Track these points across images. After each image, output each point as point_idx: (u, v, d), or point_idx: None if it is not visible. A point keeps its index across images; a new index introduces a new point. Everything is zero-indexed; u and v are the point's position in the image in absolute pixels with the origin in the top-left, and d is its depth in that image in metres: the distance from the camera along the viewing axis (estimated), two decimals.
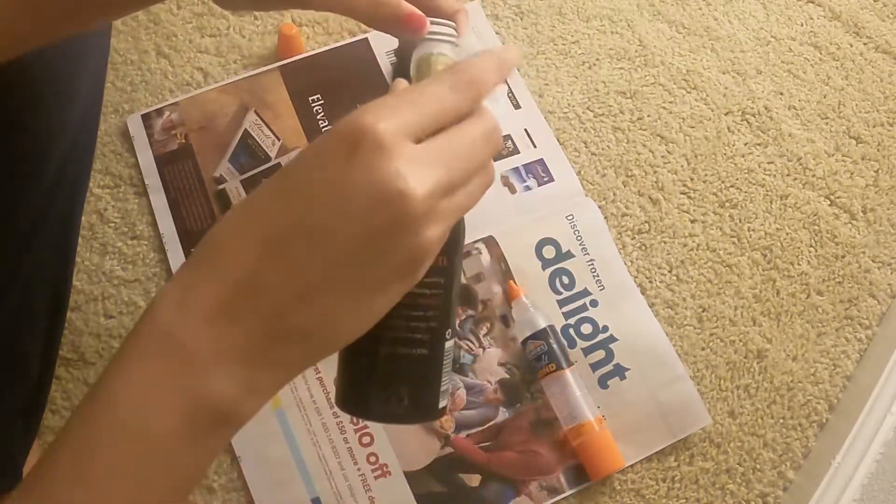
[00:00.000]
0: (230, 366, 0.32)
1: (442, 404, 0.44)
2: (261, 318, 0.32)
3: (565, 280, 0.71)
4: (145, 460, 0.32)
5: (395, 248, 0.32)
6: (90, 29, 0.47)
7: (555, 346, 0.66)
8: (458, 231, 0.44)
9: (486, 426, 0.67)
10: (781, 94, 0.83)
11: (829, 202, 0.78)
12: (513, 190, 0.75)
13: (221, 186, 0.75)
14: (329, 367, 0.67)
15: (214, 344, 0.32)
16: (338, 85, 0.79)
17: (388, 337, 0.41)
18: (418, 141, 0.33)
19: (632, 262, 0.74)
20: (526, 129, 0.78)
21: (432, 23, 0.46)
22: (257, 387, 0.33)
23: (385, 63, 0.80)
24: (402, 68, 0.46)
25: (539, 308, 0.68)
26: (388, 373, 0.42)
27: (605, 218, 0.75)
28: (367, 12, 0.46)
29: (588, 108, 0.80)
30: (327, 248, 0.32)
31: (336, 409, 0.66)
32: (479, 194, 0.37)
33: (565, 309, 0.70)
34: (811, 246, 0.76)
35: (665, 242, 0.75)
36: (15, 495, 0.32)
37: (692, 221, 0.76)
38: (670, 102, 0.81)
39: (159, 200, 0.74)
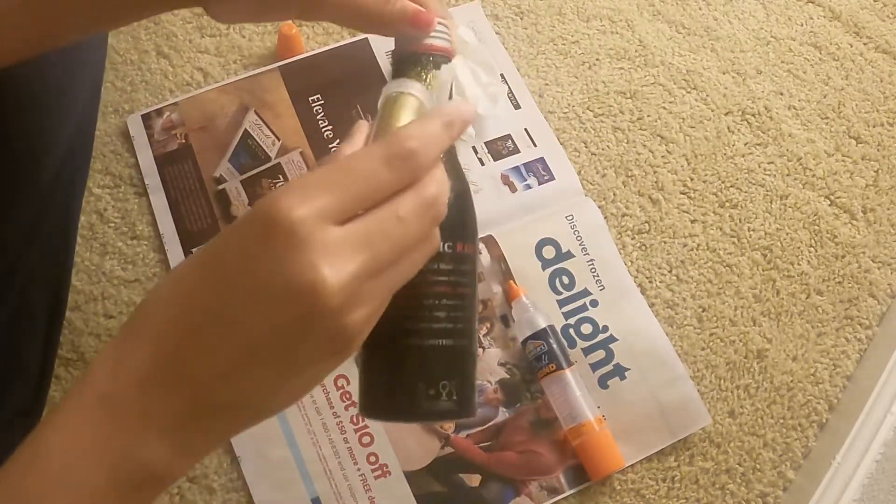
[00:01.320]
0: (159, 431, 0.33)
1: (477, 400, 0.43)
2: (186, 390, 0.33)
3: (565, 280, 0.71)
4: None
5: (315, 334, 0.32)
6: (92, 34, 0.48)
7: (555, 346, 0.66)
8: (471, 217, 0.43)
9: (486, 426, 0.67)
10: (781, 94, 0.83)
11: (829, 202, 0.78)
12: (513, 189, 0.75)
13: (221, 186, 0.75)
14: None
15: (144, 409, 0.32)
16: (338, 85, 0.79)
17: (434, 329, 0.40)
18: (342, 223, 0.32)
19: (632, 262, 0.74)
20: (526, 129, 0.78)
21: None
22: (187, 450, 0.34)
23: (385, 63, 0.80)
24: (397, 70, 0.47)
25: (539, 308, 0.68)
26: (436, 367, 0.40)
27: (605, 218, 0.75)
28: (377, 12, 0.46)
29: (588, 108, 0.80)
30: (242, 335, 0.32)
31: (336, 409, 0.66)
32: (415, 269, 0.35)
33: (565, 309, 0.70)
34: (811, 246, 0.76)
35: (665, 242, 0.75)
36: None
37: (692, 221, 0.76)
38: (670, 102, 0.81)
39: (159, 200, 0.74)
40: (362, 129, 0.40)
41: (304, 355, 0.33)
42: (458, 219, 0.41)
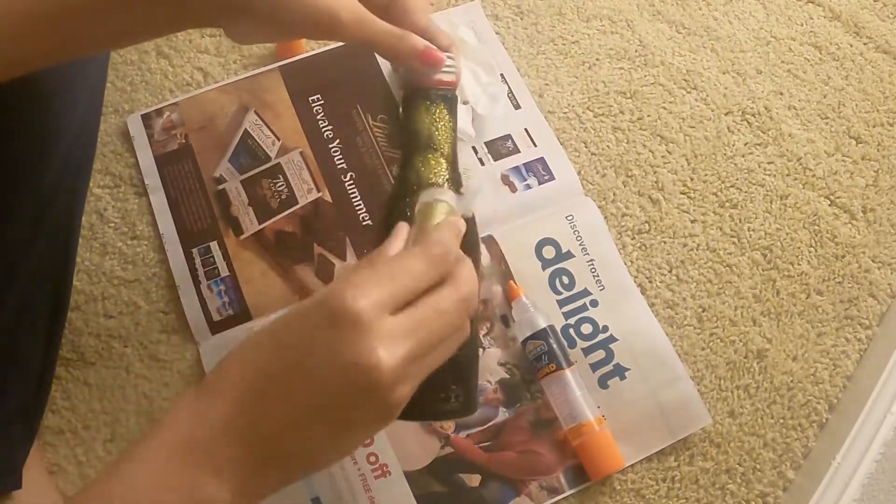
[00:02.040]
0: (228, 475, 0.38)
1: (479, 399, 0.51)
2: (256, 441, 0.39)
3: (565, 280, 0.71)
4: None
5: (369, 402, 0.39)
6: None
7: (555, 346, 0.66)
8: (474, 236, 0.51)
9: (486, 426, 0.67)
10: (781, 94, 0.83)
11: (829, 202, 0.78)
12: (513, 189, 0.75)
13: (221, 186, 0.75)
14: None
15: (217, 456, 0.38)
16: (338, 85, 0.79)
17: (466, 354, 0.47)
18: (394, 312, 0.39)
19: (632, 262, 0.74)
20: (526, 129, 0.78)
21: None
22: (246, 494, 0.39)
23: (385, 63, 0.80)
24: (407, 105, 0.54)
25: (539, 308, 0.68)
26: (446, 375, 0.45)
27: (605, 218, 0.75)
28: (389, 45, 0.50)
29: (588, 108, 0.80)
30: (313, 395, 0.39)
31: None
32: (451, 352, 0.43)
33: (565, 309, 0.70)
34: (811, 246, 0.76)
35: (665, 242, 0.75)
36: None
37: (692, 221, 0.76)
38: (670, 102, 0.81)
39: (159, 200, 0.74)
40: (402, 230, 0.47)
41: (358, 419, 0.40)
42: (465, 240, 0.47)
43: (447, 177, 0.53)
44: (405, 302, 0.40)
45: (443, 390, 0.48)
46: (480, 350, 0.68)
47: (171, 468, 0.38)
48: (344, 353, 0.38)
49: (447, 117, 0.54)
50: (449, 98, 0.53)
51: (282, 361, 0.39)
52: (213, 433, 0.38)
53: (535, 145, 0.77)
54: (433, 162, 0.53)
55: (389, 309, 0.39)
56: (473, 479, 0.65)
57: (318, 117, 0.78)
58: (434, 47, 0.51)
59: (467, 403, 0.50)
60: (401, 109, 0.55)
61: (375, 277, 0.39)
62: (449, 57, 0.52)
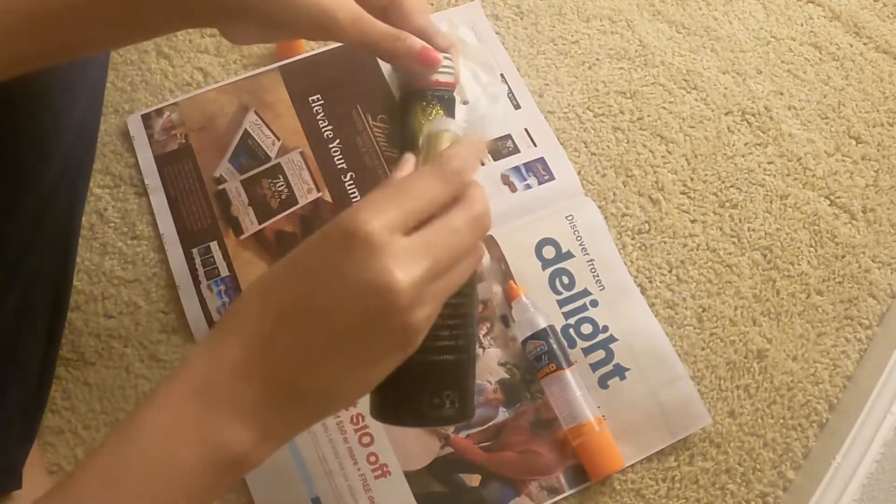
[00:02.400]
0: (247, 417, 0.37)
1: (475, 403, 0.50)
2: (274, 377, 0.38)
3: (565, 280, 0.71)
4: (167, 485, 0.36)
5: (388, 328, 0.38)
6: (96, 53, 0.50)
7: (555, 346, 0.66)
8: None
9: (486, 426, 0.67)
10: (781, 94, 0.83)
11: (829, 202, 0.78)
12: (513, 189, 0.75)
13: (221, 186, 0.75)
14: None
15: (235, 396, 0.37)
16: (338, 85, 0.79)
17: (439, 346, 0.45)
18: (408, 233, 0.38)
19: (632, 262, 0.74)
20: (526, 129, 0.78)
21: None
22: (269, 437, 0.38)
23: (385, 64, 0.80)
24: (404, 103, 0.54)
25: (539, 308, 0.68)
26: (440, 380, 0.46)
27: (605, 218, 0.75)
28: (386, 46, 0.50)
29: (588, 108, 0.80)
30: (330, 324, 0.37)
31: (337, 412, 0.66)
32: (467, 275, 0.42)
33: (565, 309, 0.70)
34: (811, 246, 0.76)
35: (665, 242, 0.75)
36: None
37: (692, 221, 0.76)
38: (670, 102, 0.81)
39: (159, 200, 0.74)
40: (409, 160, 0.46)
41: (378, 347, 0.38)
42: None
43: None
44: (418, 222, 0.39)
45: (437, 395, 0.47)
46: (480, 351, 0.68)
47: (187, 411, 0.37)
48: (358, 276, 0.36)
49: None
50: (446, 99, 0.53)
51: (296, 291, 0.38)
52: (230, 373, 0.37)
53: (535, 145, 0.77)
54: None
55: (402, 229, 0.38)
56: (473, 479, 0.65)
57: (318, 117, 0.78)
58: (431, 48, 0.51)
59: (463, 409, 0.48)
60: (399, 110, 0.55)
61: (387, 198, 0.38)
62: (446, 58, 0.52)
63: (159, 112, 0.78)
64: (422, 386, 0.44)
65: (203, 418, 0.37)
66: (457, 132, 0.47)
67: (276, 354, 0.38)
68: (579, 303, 0.71)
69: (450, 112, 0.54)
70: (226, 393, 0.37)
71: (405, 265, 0.37)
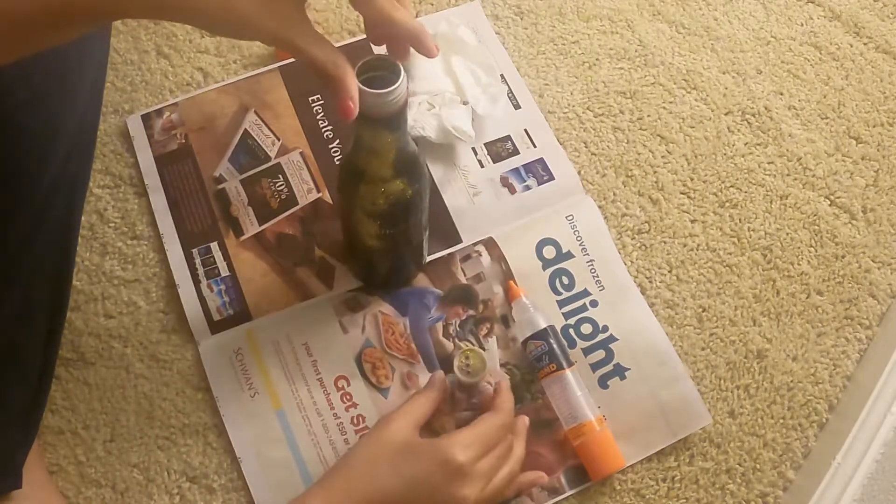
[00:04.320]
0: None
1: (426, 259, 0.71)
2: None
3: (565, 280, 0.71)
4: None
5: None
6: (76, 36, 0.47)
7: (555, 346, 0.66)
8: (420, 164, 0.57)
9: None
10: (781, 94, 0.83)
11: (829, 202, 0.78)
12: (512, 190, 0.75)
13: (221, 186, 0.75)
14: (329, 369, 0.67)
15: None
16: None
17: (406, 253, 0.68)
18: (479, 460, 0.58)
19: (632, 262, 0.74)
20: (526, 130, 0.78)
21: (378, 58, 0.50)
22: None
23: None
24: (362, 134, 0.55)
25: (539, 308, 0.68)
26: (408, 264, 0.70)
27: (605, 218, 0.75)
28: (332, 75, 0.47)
29: (588, 108, 0.80)
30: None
31: (336, 410, 0.66)
32: (506, 489, 0.62)
33: (565, 309, 0.70)
34: (811, 246, 0.76)
35: (665, 242, 0.75)
36: None
37: (692, 221, 0.76)
38: (670, 102, 0.81)
39: (159, 200, 0.74)
40: (440, 381, 0.65)
41: None
42: (408, 169, 0.56)
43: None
44: (486, 453, 0.59)
45: (402, 273, 0.70)
46: (481, 350, 0.68)
47: None
48: (448, 488, 0.57)
49: (388, 141, 0.53)
50: (391, 122, 0.51)
51: (399, 485, 0.57)
52: None
53: (535, 146, 0.77)
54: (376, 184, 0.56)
55: (479, 459, 0.58)
56: None
57: (318, 117, 0.78)
58: (352, 103, 0.46)
59: (417, 268, 0.71)
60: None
61: (471, 440, 0.58)
62: (394, 82, 0.47)
63: (159, 112, 0.78)
64: (390, 272, 0.68)
65: None
66: (433, 139, 0.48)
67: None
68: (579, 303, 0.71)
69: (397, 130, 0.52)
70: None
71: (474, 485, 0.57)
